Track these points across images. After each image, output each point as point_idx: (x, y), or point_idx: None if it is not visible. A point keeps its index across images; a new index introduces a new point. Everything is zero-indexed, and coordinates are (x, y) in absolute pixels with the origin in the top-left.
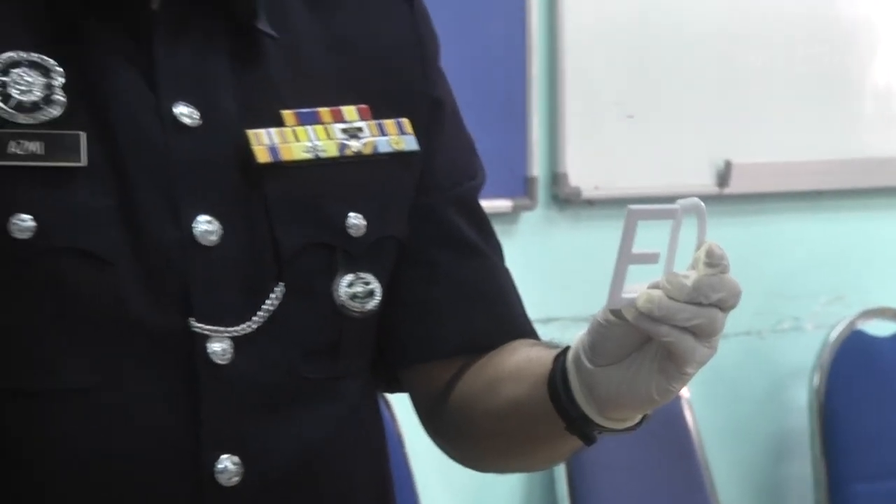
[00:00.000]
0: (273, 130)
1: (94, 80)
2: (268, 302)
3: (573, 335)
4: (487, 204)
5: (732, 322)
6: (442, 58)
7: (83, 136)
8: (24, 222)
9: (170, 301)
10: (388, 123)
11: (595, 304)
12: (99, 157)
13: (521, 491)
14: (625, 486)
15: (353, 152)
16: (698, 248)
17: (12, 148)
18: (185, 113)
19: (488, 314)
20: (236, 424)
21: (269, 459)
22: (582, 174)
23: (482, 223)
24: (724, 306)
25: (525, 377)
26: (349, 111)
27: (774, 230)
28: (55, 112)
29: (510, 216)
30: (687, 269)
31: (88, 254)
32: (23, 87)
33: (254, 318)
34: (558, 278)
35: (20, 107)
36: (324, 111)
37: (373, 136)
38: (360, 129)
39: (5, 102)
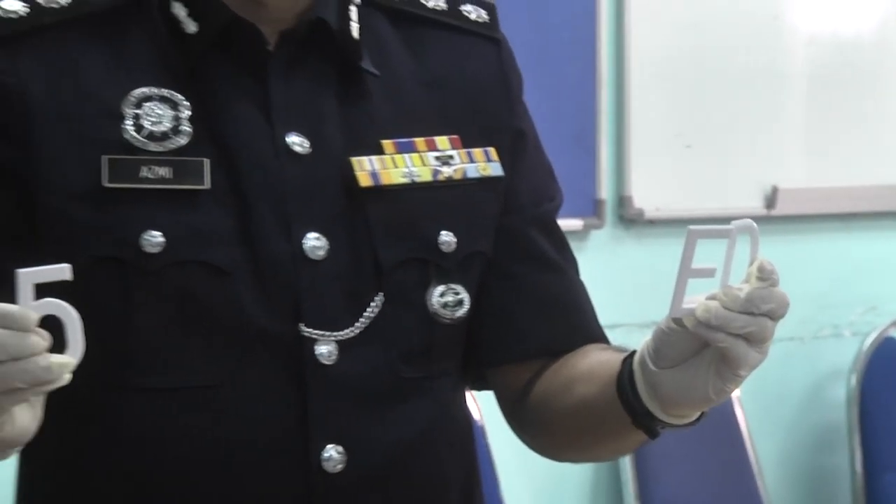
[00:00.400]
0: (374, 158)
1: (216, 112)
2: (369, 310)
3: (638, 339)
4: (561, 223)
5: (778, 329)
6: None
7: (207, 163)
8: (155, 238)
9: (282, 308)
10: (477, 152)
11: (656, 311)
12: (220, 180)
13: (590, 479)
14: (682, 474)
15: (445, 177)
16: (751, 263)
17: (144, 172)
18: (296, 142)
19: (564, 321)
20: (340, 418)
21: (369, 449)
22: (645, 197)
23: (559, 240)
24: (774, 316)
25: (596, 378)
26: (442, 141)
27: (816, 248)
28: (182, 141)
29: (581, 234)
30: (741, 283)
31: (210, 266)
32: (154, 119)
33: (356, 324)
34: (624, 289)
35: (151, 136)
36: (419, 141)
37: (462, 163)
38: (451, 157)
39: (138, 132)
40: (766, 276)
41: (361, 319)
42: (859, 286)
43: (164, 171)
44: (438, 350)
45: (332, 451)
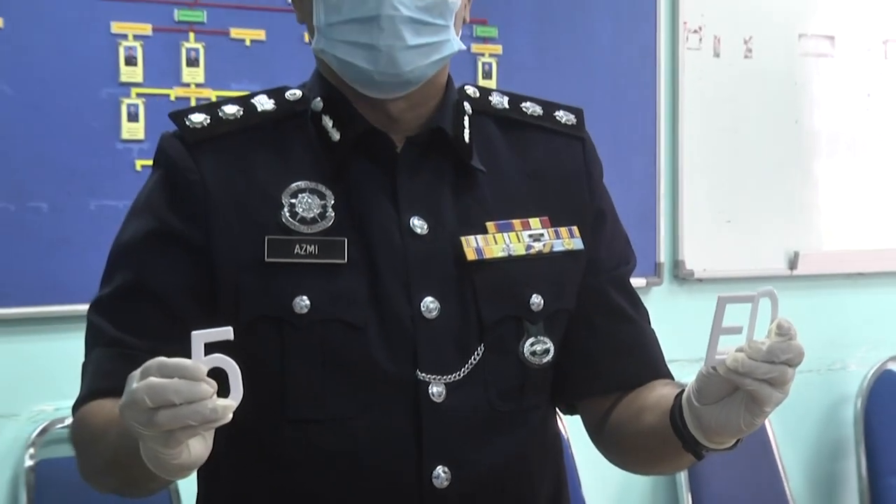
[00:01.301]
0: (479, 237)
1: (354, 201)
2: (472, 358)
3: (689, 370)
4: None
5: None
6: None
7: (345, 242)
8: (304, 301)
9: (403, 357)
10: (563, 230)
11: (703, 350)
12: (356, 255)
13: (651, 483)
14: (726, 479)
15: (536, 251)
16: (772, 321)
17: (297, 249)
18: (417, 224)
19: (636, 362)
20: (448, 444)
21: (471, 470)
22: (695, 260)
23: (632, 296)
24: (792, 364)
25: (658, 409)
26: (534, 221)
27: (830, 300)
28: (327, 224)
29: (644, 290)
30: (764, 338)
31: (346, 323)
32: (305, 207)
33: (462, 369)
34: (678, 332)
35: (303, 220)
36: (516, 222)
37: (550, 239)
38: (541, 235)
39: (293, 217)
40: (784, 332)
41: (466, 366)
42: (863, 330)
43: (312, 249)
44: (529, 389)
45: (441, 471)
